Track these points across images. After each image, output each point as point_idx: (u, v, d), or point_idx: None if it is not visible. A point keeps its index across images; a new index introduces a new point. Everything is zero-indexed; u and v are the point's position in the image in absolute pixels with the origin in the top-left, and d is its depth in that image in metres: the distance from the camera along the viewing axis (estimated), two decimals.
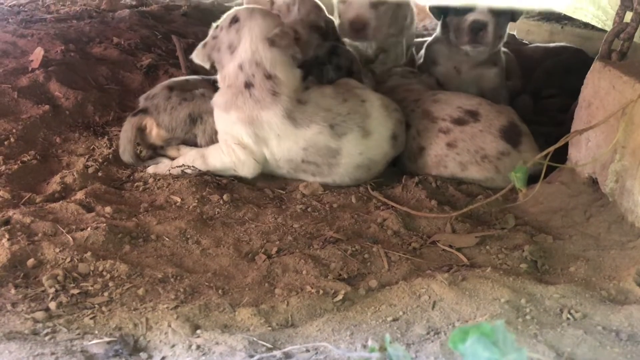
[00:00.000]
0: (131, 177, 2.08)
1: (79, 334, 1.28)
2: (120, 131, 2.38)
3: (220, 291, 1.47)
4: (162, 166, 2.13)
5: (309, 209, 1.91)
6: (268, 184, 2.09)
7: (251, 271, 1.57)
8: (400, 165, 2.23)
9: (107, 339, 1.25)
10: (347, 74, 2.31)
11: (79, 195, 1.87)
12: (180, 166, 2.09)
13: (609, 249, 1.64)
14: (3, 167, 2.01)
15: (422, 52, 2.76)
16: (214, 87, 2.16)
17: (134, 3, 4.15)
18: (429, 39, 2.75)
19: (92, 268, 1.52)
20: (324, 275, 1.54)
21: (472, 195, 2.05)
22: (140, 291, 1.44)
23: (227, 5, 3.95)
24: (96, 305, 1.39)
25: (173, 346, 1.24)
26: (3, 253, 1.53)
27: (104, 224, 1.69)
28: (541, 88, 2.99)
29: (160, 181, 2.02)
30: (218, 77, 2.08)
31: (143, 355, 1.22)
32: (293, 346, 1.18)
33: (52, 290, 1.43)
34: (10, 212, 1.72)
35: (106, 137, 2.34)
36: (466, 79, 2.58)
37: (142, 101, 2.28)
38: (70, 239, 1.63)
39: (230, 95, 2.01)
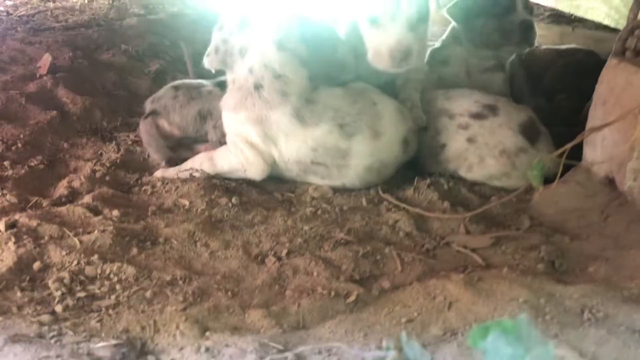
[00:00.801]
0: (139, 181, 2.06)
1: (85, 337, 1.25)
2: (128, 136, 2.38)
3: (229, 293, 1.43)
4: (170, 170, 2.10)
5: (318, 211, 1.87)
6: (277, 187, 2.06)
7: (261, 273, 1.53)
8: (419, 167, 2.19)
9: (113, 342, 1.22)
10: None
11: (86, 199, 1.84)
12: (188, 170, 2.06)
13: (629, 249, 1.59)
14: (10, 172, 2.00)
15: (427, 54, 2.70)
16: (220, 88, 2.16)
17: (142, 12, 4.16)
18: (436, 43, 2.68)
19: (99, 271, 1.49)
20: (336, 276, 1.50)
21: (485, 197, 2.01)
22: (148, 294, 1.41)
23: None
24: (103, 308, 1.36)
25: (181, 349, 1.21)
26: (9, 256, 1.51)
27: (111, 227, 1.66)
28: (553, 90, 2.94)
29: (169, 185, 1.99)
30: (227, 78, 2.06)
31: (151, 358, 1.19)
32: (305, 346, 1.14)
33: (59, 293, 1.40)
34: (17, 216, 1.70)
35: (114, 142, 2.32)
36: (474, 84, 2.54)
37: (148, 104, 2.27)
38: (77, 242, 1.60)
39: (240, 97, 1.99)
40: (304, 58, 1.98)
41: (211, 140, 2.23)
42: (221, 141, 2.17)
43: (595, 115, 1.92)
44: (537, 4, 3.53)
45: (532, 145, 2.09)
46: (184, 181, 2.00)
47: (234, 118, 2.01)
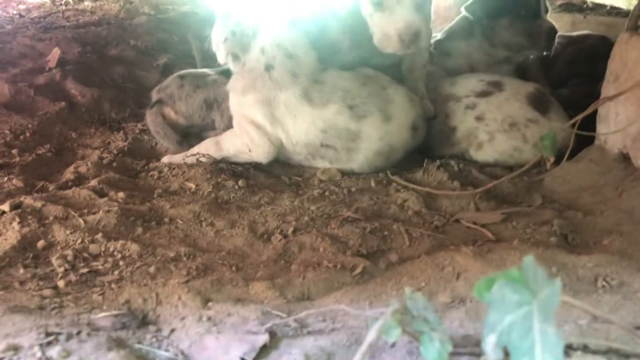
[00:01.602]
0: (146, 167, 2.05)
1: (86, 309, 1.23)
2: (136, 126, 2.38)
3: (234, 268, 1.41)
4: (177, 156, 2.09)
5: (326, 193, 1.85)
6: (284, 172, 2.04)
7: (267, 250, 1.51)
8: (428, 151, 2.16)
9: (114, 312, 1.20)
10: None
11: (93, 182, 1.83)
12: (195, 155, 2.05)
13: None
14: (18, 159, 2.00)
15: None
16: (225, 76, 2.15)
17: (152, 12, 4.18)
18: (439, 34, 2.63)
19: (103, 249, 1.47)
20: (342, 251, 1.47)
21: (496, 177, 1.97)
22: (152, 269, 1.39)
23: None
24: (106, 283, 1.34)
25: (183, 318, 1.18)
26: (13, 235, 1.50)
27: (116, 208, 1.65)
28: (565, 76, 2.89)
29: (175, 170, 1.98)
30: (232, 64, 2.04)
31: (152, 328, 1.16)
32: (309, 311, 1.11)
33: (62, 269, 1.38)
34: (22, 198, 1.69)
35: (122, 131, 2.32)
36: None
37: (154, 94, 2.27)
38: (82, 221, 1.59)
39: (250, 79, 1.97)
40: (313, 38, 1.97)
41: (219, 128, 2.22)
42: (228, 128, 2.16)
43: (608, 90, 1.88)
44: None
45: (543, 115, 2.05)
46: (191, 166, 1.99)
47: (242, 100, 1.99)
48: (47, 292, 1.29)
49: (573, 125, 1.59)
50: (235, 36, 1.98)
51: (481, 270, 1.29)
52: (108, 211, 1.63)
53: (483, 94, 2.11)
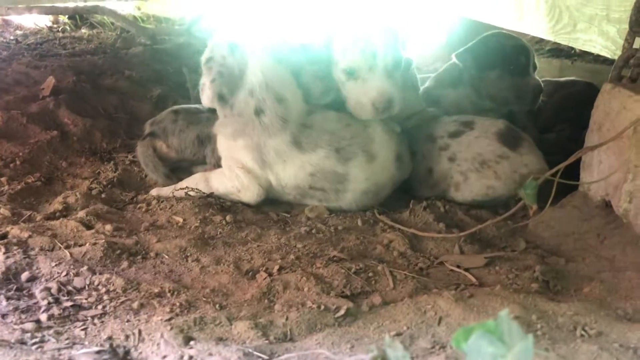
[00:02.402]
0: (134, 199, 2.06)
1: (68, 344, 1.23)
2: (126, 157, 2.39)
3: (217, 306, 1.41)
4: (166, 189, 2.11)
5: (313, 231, 1.86)
6: (272, 208, 2.06)
7: (251, 288, 1.52)
8: (412, 191, 2.19)
9: (96, 349, 1.20)
10: None
11: (80, 214, 1.84)
12: (184, 188, 2.06)
13: (625, 271, 1.57)
14: (6, 187, 2.01)
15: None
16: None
17: (148, 42, 4.23)
18: (429, 81, 2.65)
19: (87, 282, 1.48)
20: (326, 292, 1.48)
21: (481, 220, 1.99)
22: (135, 304, 1.39)
23: None
24: (89, 318, 1.34)
25: (164, 357, 1.18)
26: None
27: (103, 241, 1.65)
28: (552, 121, 2.95)
29: (164, 203, 1.99)
30: (219, 106, 2.02)
31: None
32: (290, 354, 1.12)
33: (45, 302, 1.39)
34: (9, 228, 1.69)
35: (112, 162, 2.33)
36: None
37: (147, 126, 2.30)
38: (68, 253, 1.59)
39: (239, 124, 1.98)
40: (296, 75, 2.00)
41: (209, 164, 2.24)
42: (219, 164, 2.18)
43: (591, 139, 1.92)
44: (539, 41, 3.58)
45: (512, 150, 2.08)
46: (179, 199, 2.00)
47: (232, 144, 2.01)
48: (28, 325, 1.29)
49: (555, 173, 1.63)
50: (223, 77, 1.97)
51: (462, 315, 1.31)
52: (94, 244, 1.64)
53: (455, 134, 2.15)
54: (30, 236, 1.65)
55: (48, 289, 1.43)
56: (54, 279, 1.48)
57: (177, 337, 1.24)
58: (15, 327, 1.28)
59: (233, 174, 2.01)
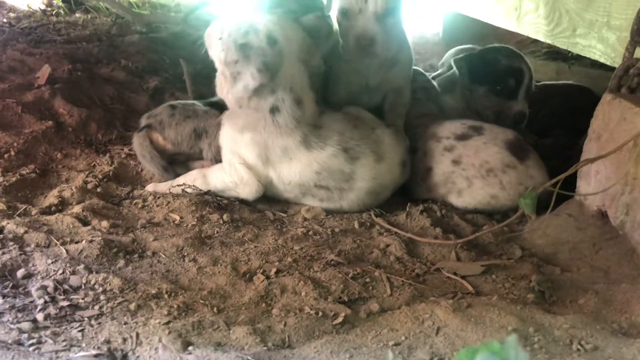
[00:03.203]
0: (130, 194, 2.05)
1: (65, 346, 1.22)
2: (122, 149, 2.37)
3: (215, 309, 1.41)
4: (162, 185, 2.10)
5: (310, 232, 1.86)
6: (269, 207, 2.05)
7: (248, 291, 1.51)
8: (408, 192, 2.19)
9: (93, 352, 1.19)
10: None
11: (76, 209, 1.83)
12: (180, 185, 2.05)
13: (619, 283, 1.58)
14: (1, 179, 1.98)
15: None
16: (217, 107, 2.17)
17: (144, 30, 4.18)
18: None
19: (84, 281, 1.47)
20: (324, 297, 1.48)
21: (477, 226, 2.00)
22: (132, 306, 1.39)
23: None
24: (85, 319, 1.34)
25: None
26: None
27: (99, 238, 1.64)
28: (547, 126, 2.96)
29: (160, 199, 1.98)
30: (247, 98, 1.93)
31: None
32: None
33: (41, 301, 1.38)
34: (4, 222, 1.68)
35: (108, 154, 2.31)
36: None
37: (144, 119, 2.28)
38: (64, 250, 1.58)
39: (252, 118, 1.95)
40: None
41: (206, 158, 2.23)
42: (216, 159, 2.17)
43: (590, 149, 1.93)
44: (535, 41, 3.58)
45: (520, 161, 2.07)
46: (176, 196, 1.99)
47: (238, 138, 1.99)
48: (25, 325, 1.28)
49: (555, 184, 1.63)
50: (269, 69, 1.88)
51: (460, 326, 1.31)
52: (91, 241, 1.63)
53: (462, 137, 2.13)
54: (26, 232, 1.63)
55: (44, 287, 1.42)
56: (50, 277, 1.47)
57: (176, 342, 1.24)
58: (12, 326, 1.27)
59: (233, 168, 2.00)
